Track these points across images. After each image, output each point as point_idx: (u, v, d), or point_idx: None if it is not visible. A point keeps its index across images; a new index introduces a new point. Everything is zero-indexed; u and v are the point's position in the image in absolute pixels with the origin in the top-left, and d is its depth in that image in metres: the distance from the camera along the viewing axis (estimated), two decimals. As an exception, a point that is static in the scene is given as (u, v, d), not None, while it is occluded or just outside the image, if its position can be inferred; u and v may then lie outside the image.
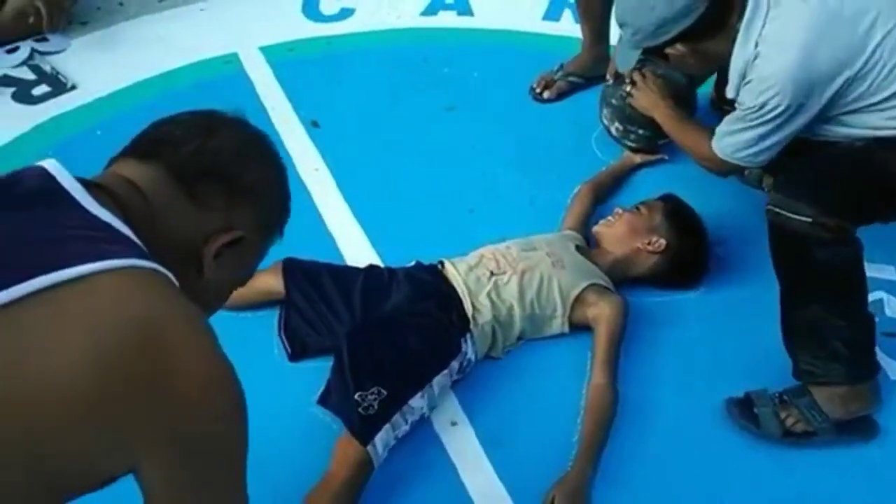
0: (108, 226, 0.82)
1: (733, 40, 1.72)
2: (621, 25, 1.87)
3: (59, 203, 0.82)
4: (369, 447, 1.62)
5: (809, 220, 1.58)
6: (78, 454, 0.75)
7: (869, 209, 1.68)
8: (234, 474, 0.87)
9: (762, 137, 1.76)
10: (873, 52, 1.63)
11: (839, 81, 1.65)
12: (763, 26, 1.68)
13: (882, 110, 1.67)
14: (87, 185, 0.86)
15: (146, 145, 0.96)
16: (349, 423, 1.65)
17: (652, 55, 1.91)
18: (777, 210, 1.63)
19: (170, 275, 0.83)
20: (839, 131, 1.73)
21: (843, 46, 1.63)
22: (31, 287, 0.71)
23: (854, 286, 1.67)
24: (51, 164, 0.86)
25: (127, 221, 0.84)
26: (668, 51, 1.82)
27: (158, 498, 0.82)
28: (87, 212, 0.81)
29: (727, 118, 1.84)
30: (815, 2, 1.64)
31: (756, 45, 1.68)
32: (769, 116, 1.71)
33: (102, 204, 0.83)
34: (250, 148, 1.01)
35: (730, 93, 1.81)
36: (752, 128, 1.76)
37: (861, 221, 1.64)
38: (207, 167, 0.95)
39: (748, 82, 1.73)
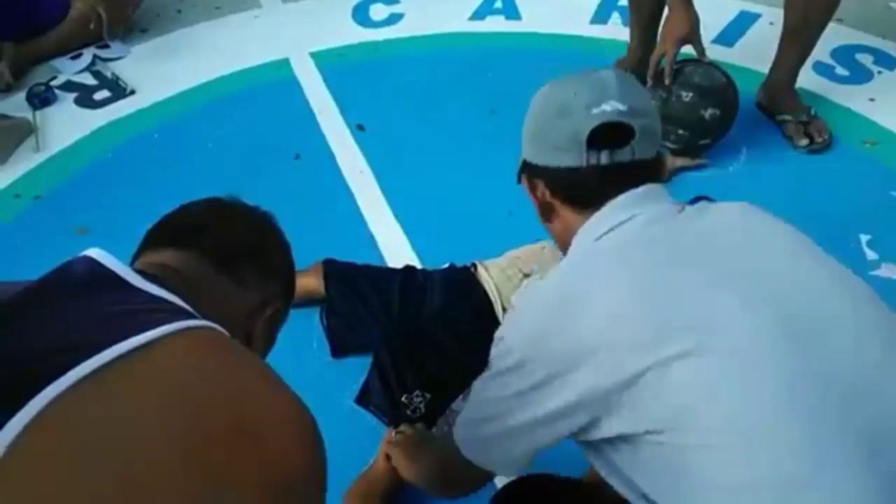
0: (164, 300, 0.86)
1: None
2: None
3: (115, 285, 0.86)
4: None
5: None
6: None
7: None
8: None
9: None
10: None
11: None
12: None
13: None
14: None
15: (175, 234, 1.01)
16: (397, 425, 1.69)
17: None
18: None
19: (226, 333, 0.86)
20: None
21: None
22: (110, 355, 0.73)
23: None
24: (96, 252, 0.89)
25: (177, 296, 0.88)
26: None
27: None
28: (141, 290, 0.86)
29: None
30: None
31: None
32: None
33: (152, 282, 0.87)
34: (266, 226, 1.09)
35: None
36: None
37: None
38: (241, 248, 1.02)
39: None
